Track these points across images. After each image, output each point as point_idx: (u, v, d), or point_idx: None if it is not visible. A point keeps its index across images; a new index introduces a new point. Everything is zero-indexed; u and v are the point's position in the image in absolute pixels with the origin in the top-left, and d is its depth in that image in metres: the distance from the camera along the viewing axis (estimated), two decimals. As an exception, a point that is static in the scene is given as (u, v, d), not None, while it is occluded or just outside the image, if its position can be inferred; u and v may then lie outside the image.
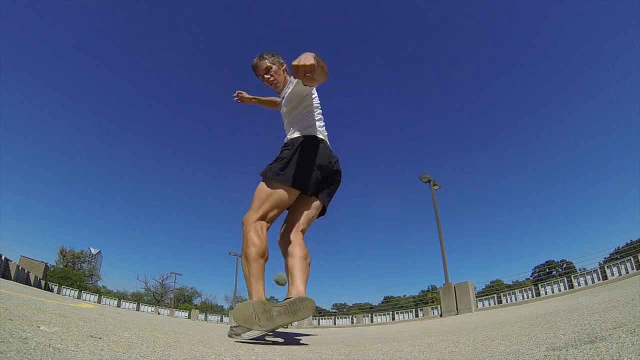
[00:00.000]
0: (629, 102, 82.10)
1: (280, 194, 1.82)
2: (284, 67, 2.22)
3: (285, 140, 2.04)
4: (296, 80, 1.93)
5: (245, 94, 2.55)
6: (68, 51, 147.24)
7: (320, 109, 2.12)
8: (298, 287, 1.69)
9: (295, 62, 1.50)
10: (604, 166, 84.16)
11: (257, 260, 1.68)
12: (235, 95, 2.55)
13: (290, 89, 2.04)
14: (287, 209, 2.01)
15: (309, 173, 1.87)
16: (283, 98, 2.15)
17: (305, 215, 1.99)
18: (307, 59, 1.48)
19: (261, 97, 2.56)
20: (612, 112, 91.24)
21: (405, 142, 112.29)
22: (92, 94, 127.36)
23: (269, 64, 2.16)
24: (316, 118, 2.05)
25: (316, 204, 2.02)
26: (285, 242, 1.93)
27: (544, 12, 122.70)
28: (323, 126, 2.09)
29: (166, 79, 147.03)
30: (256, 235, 1.72)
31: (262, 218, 1.78)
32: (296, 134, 1.99)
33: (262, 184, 1.86)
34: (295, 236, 1.91)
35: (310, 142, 1.95)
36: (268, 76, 2.17)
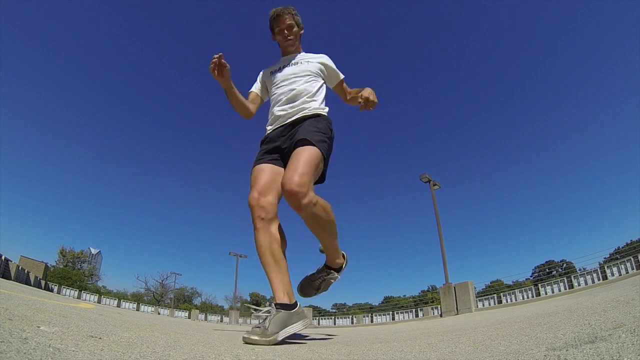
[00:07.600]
0: (629, 101, 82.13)
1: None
2: (302, 32, 2.11)
3: (315, 105, 1.89)
4: (325, 61, 2.04)
5: (227, 68, 1.81)
6: (68, 51, 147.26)
7: None
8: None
9: (371, 98, 1.86)
10: (604, 166, 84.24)
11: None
12: (216, 57, 1.76)
13: (325, 63, 2.04)
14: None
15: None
16: (296, 64, 2.01)
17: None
18: (375, 97, 1.88)
19: (236, 90, 1.93)
20: (613, 112, 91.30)
21: (405, 142, 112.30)
22: (92, 94, 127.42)
23: (292, 22, 2.02)
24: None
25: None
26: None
27: (545, 11, 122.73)
28: None
29: (166, 78, 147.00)
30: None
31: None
32: (323, 112, 1.90)
33: (318, 152, 1.67)
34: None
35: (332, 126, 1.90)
36: (288, 33, 2.02)
